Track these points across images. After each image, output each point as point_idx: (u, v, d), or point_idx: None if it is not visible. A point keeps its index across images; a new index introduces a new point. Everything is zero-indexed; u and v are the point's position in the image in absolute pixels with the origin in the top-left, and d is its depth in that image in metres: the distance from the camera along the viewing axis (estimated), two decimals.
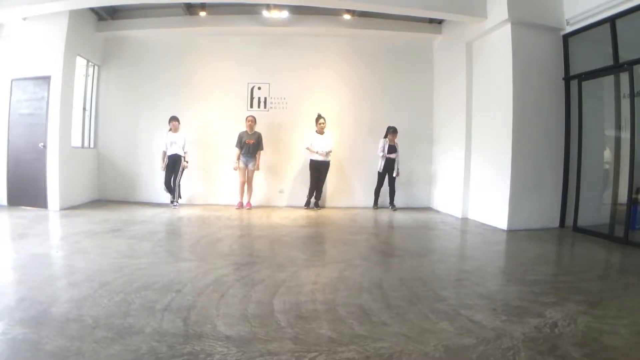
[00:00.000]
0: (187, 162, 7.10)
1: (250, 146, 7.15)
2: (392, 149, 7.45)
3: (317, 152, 7.16)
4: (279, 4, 6.71)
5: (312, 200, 7.44)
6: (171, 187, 7.09)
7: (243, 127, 7.24)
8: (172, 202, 7.11)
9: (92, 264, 3.59)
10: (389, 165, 7.41)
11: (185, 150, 7.11)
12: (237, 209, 7.14)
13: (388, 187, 7.55)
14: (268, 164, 7.58)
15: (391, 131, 7.42)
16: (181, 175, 7.13)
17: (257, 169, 7.24)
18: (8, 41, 6.65)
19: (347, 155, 7.84)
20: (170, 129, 7.11)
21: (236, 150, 7.12)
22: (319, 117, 7.24)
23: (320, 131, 7.23)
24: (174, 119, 7.11)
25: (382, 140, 7.46)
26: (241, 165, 7.15)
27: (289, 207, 7.52)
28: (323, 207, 7.56)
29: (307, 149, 7.23)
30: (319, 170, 7.27)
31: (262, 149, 7.25)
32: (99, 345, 2.10)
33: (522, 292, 3.11)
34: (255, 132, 7.23)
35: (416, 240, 5.06)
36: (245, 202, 7.29)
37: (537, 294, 3.05)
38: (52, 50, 6.46)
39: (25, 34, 6.55)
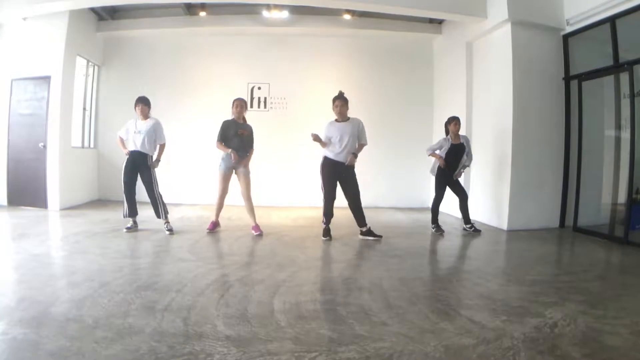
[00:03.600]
0: (157, 161, 5.02)
1: (244, 139, 4.98)
2: (457, 151, 5.29)
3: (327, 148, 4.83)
4: (279, 4, 6.71)
5: (326, 225, 4.96)
6: (131, 195, 4.97)
7: None
8: (165, 225, 5.00)
9: (92, 264, 3.59)
10: (450, 170, 5.34)
11: (160, 142, 5.00)
12: (208, 231, 5.08)
13: (458, 202, 5.55)
14: (267, 164, 7.56)
15: (451, 122, 5.31)
16: (157, 182, 4.98)
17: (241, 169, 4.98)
18: (8, 41, 6.65)
19: None
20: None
21: (219, 145, 4.97)
22: (337, 97, 4.91)
23: (340, 116, 4.87)
24: (140, 100, 4.96)
25: (440, 140, 5.46)
26: (225, 169, 4.98)
27: (289, 207, 7.52)
28: (377, 236, 4.97)
29: (315, 139, 4.81)
30: (334, 175, 4.85)
31: (252, 146, 5.09)
32: (99, 345, 2.10)
33: (522, 292, 3.11)
34: (247, 123, 5.13)
35: (416, 240, 5.05)
36: (253, 224, 5.10)
37: (537, 294, 3.05)
38: (52, 50, 6.45)
39: (25, 34, 6.55)
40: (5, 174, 6.63)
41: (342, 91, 4.96)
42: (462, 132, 5.62)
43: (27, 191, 6.57)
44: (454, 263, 4.36)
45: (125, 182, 4.95)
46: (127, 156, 4.94)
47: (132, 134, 4.95)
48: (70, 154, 6.81)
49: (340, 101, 4.86)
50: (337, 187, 4.94)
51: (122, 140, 5.05)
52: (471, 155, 5.44)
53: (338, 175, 4.87)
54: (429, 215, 5.67)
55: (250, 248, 4.50)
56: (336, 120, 4.92)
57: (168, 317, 2.48)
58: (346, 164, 4.80)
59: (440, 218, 5.54)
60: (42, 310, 2.51)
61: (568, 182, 5.94)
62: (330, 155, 4.84)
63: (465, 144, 5.36)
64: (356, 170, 5.04)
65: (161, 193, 5.05)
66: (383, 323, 2.48)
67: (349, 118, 4.92)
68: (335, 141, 4.80)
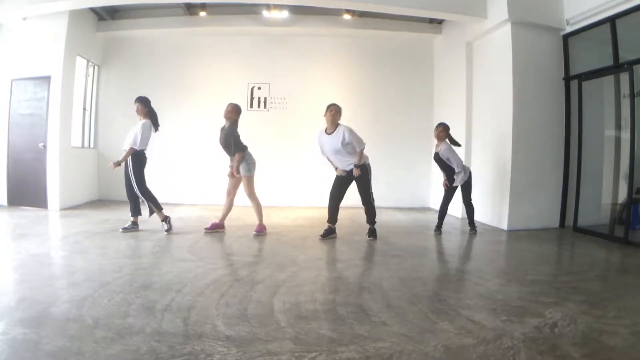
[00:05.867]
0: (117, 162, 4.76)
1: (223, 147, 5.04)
2: (438, 159, 5.35)
3: (336, 168, 4.93)
4: (279, 4, 6.71)
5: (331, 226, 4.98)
6: (135, 199, 4.98)
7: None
8: (163, 224, 5.01)
9: (92, 264, 3.59)
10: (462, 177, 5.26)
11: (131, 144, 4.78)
12: (206, 231, 5.06)
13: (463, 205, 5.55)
14: (267, 164, 7.54)
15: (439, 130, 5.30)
16: (135, 179, 4.83)
17: (235, 174, 4.92)
18: (8, 41, 6.64)
19: None
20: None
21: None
22: (328, 107, 4.83)
23: (330, 127, 4.78)
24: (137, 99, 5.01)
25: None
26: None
27: (289, 207, 7.51)
28: (372, 236, 4.95)
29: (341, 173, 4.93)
30: (340, 181, 4.91)
31: (237, 150, 4.86)
32: (99, 345, 2.10)
33: (522, 292, 3.11)
34: (226, 128, 4.97)
35: (416, 240, 5.05)
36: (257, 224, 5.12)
37: (537, 294, 3.05)
38: (52, 50, 6.46)
39: (25, 34, 6.55)
40: (5, 174, 6.63)
41: (334, 103, 4.85)
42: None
43: (27, 191, 6.57)
44: (454, 263, 4.36)
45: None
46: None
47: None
48: (70, 154, 6.81)
49: (333, 110, 4.75)
50: (341, 190, 4.92)
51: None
52: (456, 167, 5.14)
53: (343, 181, 4.90)
54: (429, 215, 5.68)
55: (250, 248, 4.50)
56: (326, 131, 4.84)
57: (168, 317, 2.48)
58: (354, 174, 4.79)
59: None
60: (42, 310, 2.51)
61: (568, 182, 5.94)
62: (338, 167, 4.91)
63: (441, 155, 5.20)
64: None
65: (144, 192, 4.90)
66: (383, 323, 2.48)
67: (337, 125, 4.77)
68: (329, 156, 4.89)
